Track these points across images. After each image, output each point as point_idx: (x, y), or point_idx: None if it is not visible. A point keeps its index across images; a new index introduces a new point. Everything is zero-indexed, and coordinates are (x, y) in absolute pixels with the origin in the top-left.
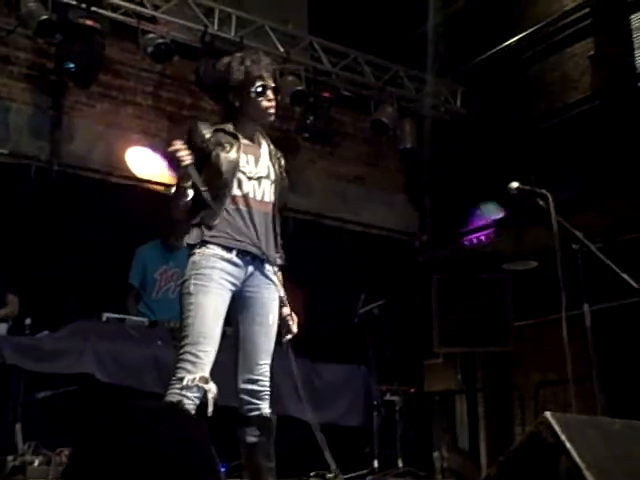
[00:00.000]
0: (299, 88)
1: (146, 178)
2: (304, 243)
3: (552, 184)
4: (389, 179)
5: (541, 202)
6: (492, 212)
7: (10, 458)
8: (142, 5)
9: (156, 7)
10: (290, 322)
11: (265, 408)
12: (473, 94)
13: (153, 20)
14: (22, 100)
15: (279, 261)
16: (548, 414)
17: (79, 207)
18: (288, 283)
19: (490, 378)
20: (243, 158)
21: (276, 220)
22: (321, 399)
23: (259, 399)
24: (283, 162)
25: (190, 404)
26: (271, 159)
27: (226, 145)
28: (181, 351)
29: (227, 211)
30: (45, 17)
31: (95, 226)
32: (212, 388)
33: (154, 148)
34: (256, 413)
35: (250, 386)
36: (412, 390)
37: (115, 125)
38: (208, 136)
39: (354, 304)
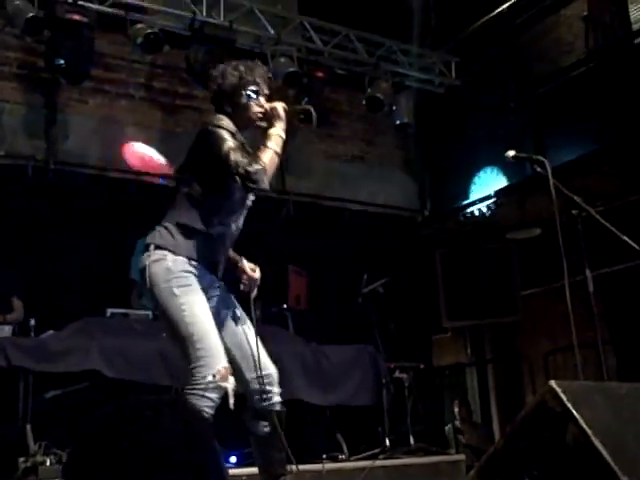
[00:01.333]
0: (292, 69)
1: (143, 171)
2: (305, 226)
3: (552, 149)
4: (388, 156)
5: (539, 169)
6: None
7: (22, 459)
8: None
9: None
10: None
11: (275, 396)
12: (468, 64)
13: (141, 10)
14: (15, 100)
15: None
16: (553, 383)
17: (78, 204)
18: (291, 267)
19: (500, 349)
20: None
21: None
22: (330, 381)
23: (270, 385)
24: None
25: (212, 407)
26: None
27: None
28: (192, 350)
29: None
30: (32, 14)
31: (95, 222)
32: (230, 379)
33: (149, 140)
34: (266, 404)
35: (258, 372)
36: (421, 366)
37: (109, 119)
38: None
39: (358, 284)
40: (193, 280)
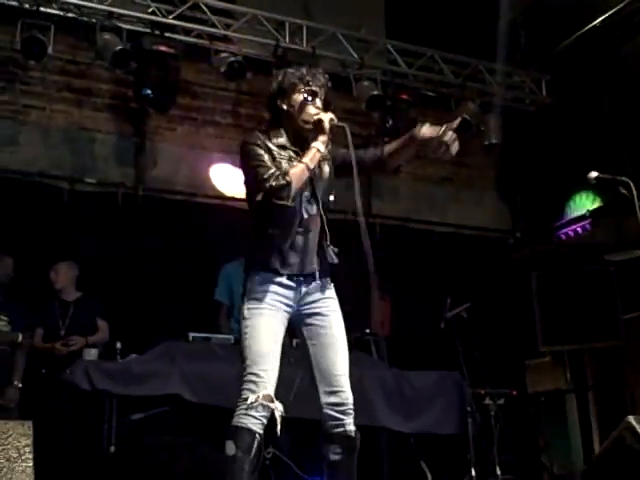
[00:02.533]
0: (375, 93)
1: (229, 196)
2: (392, 249)
3: None
4: (477, 177)
5: (623, 190)
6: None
7: None
8: (214, 26)
9: (227, 26)
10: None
11: (349, 424)
12: (560, 82)
13: (226, 39)
14: (106, 130)
15: (335, 260)
16: (631, 418)
17: (165, 229)
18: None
19: (601, 375)
20: None
21: (325, 226)
22: (413, 407)
23: (342, 413)
24: (330, 157)
25: (257, 423)
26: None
27: (289, 163)
28: (243, 373)
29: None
30: (119, 48)
31: (182, 247)
32: (278, 406)
33: (236, 165)
34: (340, 430)
35: (332, 398)
36: (514, 392)
37: (196, 146)
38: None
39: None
40: (268, 300)
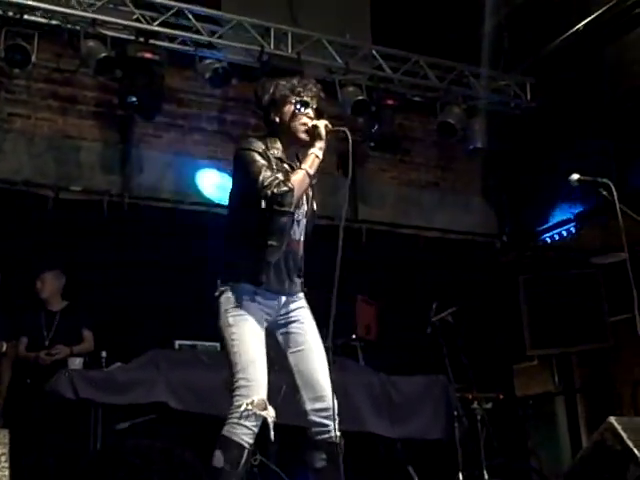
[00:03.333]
0: (359, 98)
1: (216, 203)
2: (378, 254)
3: (636, 171)
4: (463, 181)
5: (604, 192)
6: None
7: None
8: (198, 32)
9: (212, 33)
10: None
11: (333, 431)
12: (545, 85)
13: (210, 46)
14: (92, 137)
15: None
16: (613, 419)
17: (152, 237)
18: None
19: (589, 378)
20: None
21: (302, 255)
22: (400, 413)
23: (328, 419)
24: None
25: (249, 434)
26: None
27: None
28: (234, 379)
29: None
30: (104, 55)
31: (168, 254)
32: (270, 412)
33: (222, 171)
34: (325, 436)
35: (317, 405)
36: (500, 396)
37: (183, 153)
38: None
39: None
40: (251, 309)
